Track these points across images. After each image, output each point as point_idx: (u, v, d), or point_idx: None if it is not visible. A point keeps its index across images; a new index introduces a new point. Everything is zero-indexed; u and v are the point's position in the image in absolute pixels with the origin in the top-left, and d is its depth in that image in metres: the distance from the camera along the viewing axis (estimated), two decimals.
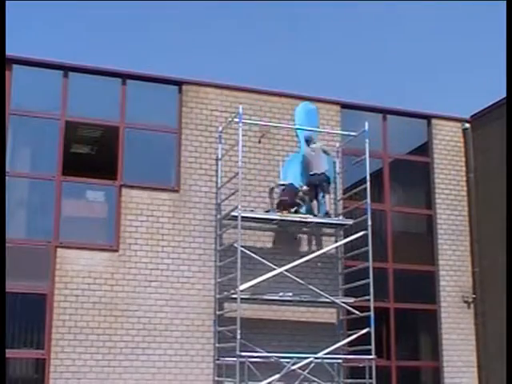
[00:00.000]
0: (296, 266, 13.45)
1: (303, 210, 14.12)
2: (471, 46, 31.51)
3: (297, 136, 14.81)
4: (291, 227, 14.19)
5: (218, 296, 13.55)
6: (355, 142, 14.53)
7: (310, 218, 13.88)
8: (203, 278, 13.66)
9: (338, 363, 13.69)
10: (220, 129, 14.29)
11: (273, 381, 12.57)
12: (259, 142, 14.18)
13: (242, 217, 12.98)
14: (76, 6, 27.74)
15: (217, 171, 14.14)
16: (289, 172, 14.51)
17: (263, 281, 13.16)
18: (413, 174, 16.18)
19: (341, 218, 14.48)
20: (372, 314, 13.19)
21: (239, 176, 13.05)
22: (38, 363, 12.76)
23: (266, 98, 14.90)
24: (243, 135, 13.50)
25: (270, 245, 14.17)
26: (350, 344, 13.51)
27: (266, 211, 13.90)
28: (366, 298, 13.34)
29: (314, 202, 14.12)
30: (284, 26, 31.25)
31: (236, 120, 13.55)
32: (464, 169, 16.01)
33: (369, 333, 13.17)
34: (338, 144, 15.07)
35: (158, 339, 13.17)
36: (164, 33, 31.50)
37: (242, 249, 12.90)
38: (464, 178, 15.94)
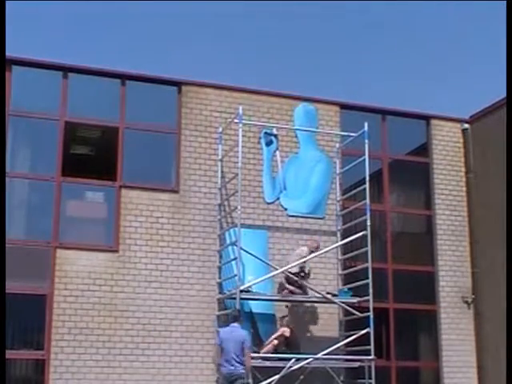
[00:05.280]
0: (296, 265, 13.44)
1: None
2: (471, 46, 31.54)
3: (296, 137, 14.82)
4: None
5: (217, 296, 13.56)
6: (354, 142, 14.53)
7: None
8: (202, 278, 13.67)
9: (338, 363, 13.68)
10: (220, 129, 14.30)
11: (272, 381, 12.57)
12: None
13: None
14: (76, 6, 27.74)
15: (217, 172, 14.14)
16: (287, 175, 14.52)
17: (263, 280, 13.16)
18: (412, 174, 16.19)
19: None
20: (371, 314, 13.20)
21: (239, 177, 13.05)
22: (38, 364, 12.77)
23: (266, 99, 14.91)
24: (242, 136, 13.50)
25: (269, 245, 14.18)
26: (350, 344, 13.51)
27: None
28: (366, 298, 13.35)
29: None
30: (283, 26, 31.27)
31: (236, 121, 13.55)
32: (463, 169, 16.01)
33: (368, 333, 13.18)
34: (337, 145, 15.08)
35: (157, 340, 13.18)
36: (163, 33, 31.51)
37: (242, 246, 12.89)
38: (463, 179, 15.95)
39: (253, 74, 29.19)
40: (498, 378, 14.25)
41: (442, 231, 15.57)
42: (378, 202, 15.22)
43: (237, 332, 11.38)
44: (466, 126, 16.17)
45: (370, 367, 13.13)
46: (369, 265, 13.42)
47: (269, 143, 14.53)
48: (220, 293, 13.56)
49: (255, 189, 14.35)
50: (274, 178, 14.45)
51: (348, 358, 13.54)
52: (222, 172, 14.14)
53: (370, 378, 13.06)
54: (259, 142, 14.56)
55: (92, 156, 16.42)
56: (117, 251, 13.36)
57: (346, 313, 13.92)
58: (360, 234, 13.71)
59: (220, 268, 13.72)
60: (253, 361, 12.58)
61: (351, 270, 14.25)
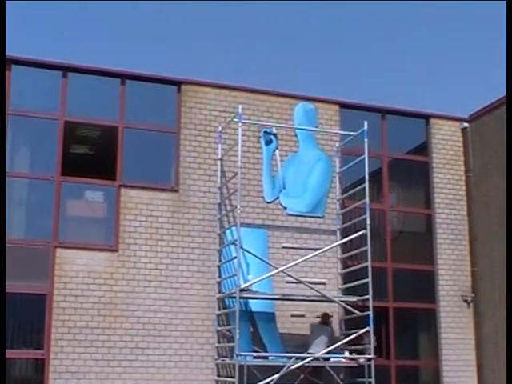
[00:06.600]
0: (295, 264, 13.45)
1: None
2: (470, 46, 31.54)
3: (296, 136, 14.82)
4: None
5: (217, 295, 13.57)
6: (354, 141, 14.53)
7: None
8: (202, 277, 13.68)
9: (338, 362, 13.67)
10: (219, 129, 14.31)
11: (272, 381, 12.57)
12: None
13: None
14: (75, 6, 27.76)
15: (217, 171, 14.15)
16: (287, 174, 14.53)
17: (262, 279, 13.17)
18: (412, 173, 16.20)
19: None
20: (371, 313, 13.20)
21: (238, 176, 13.06)
22: (38, 363, 12.77)
23: (265, 98, 14.92)
24: (242, 135, 13.49)
25: (269, 244, 14.19)
26: (350, 343, 13.51)
27: None
28: (366, 297, 13.35)
29: None
30: (282, 25, 31.29)
31: (235, 120, 13.56)
32: (463, 168, 16.02)
33: (368, 332, 13.19)
34: (337, 144, 15.09)
35: (157, 339, 13.18)
36: (163, 33, 31.52)
37: (242, 245, 12.89)
38: (463, 178, 15.96)
39: (252, 73, 29.20)
40: (498, 377, 14.26)
41: (442, 230, 15.58)
42: (377, 201, 15.23)
43: None
44: (466, 124, 16.17)
45: (369, 366, 13.13)
46: (368, 264, 13.41)
47: (268, 142, 14.53)
48: (220, 292, 13.57)
49: (255, 188, 14.35)
50: (274, 177, 14.44)
51: (348, 357, 13.54)
52: (221, 171, 14.15)
53: (370, 377, 13.06)
54: (259, 141, 14.55)
55: (91, 155, 16.42)
56: (116, 250, 13.36)
57: (346, 312, 13.92)
58: (360, 232, 13.72)
59: (220, 267, 13.72)
60: (253, 360, 12.66)
61: (351, 269, 14.26)
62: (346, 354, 13.47)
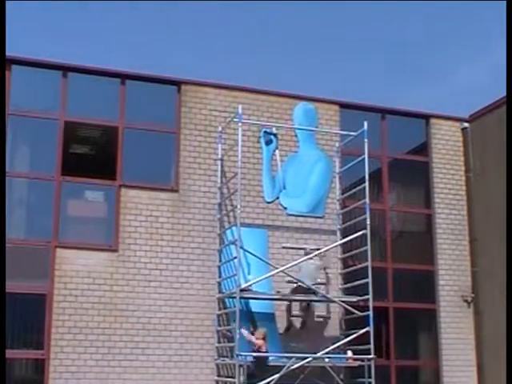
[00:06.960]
0: (295, 264, 13.45)
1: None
2: (470, 45, 31.54)
3: (296, 136, 14.82)
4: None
5: (217, 295, 13.57)
6: (354, 141, 14.52)
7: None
8: (202, 277, 13.68)
9: (338, 362, 13.67)
10: (219, 129, 14.31)
11: (272, 381, 12.56)
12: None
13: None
14: (75, 6, 27.75)
15: (217, 171, 14.15)
16: (287, 174, 14.54)
17: (262, 279, 13.17)
18: (412, 173, 16.20)
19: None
20: (371, 313, 13.20)
21: (238, 176, 13.06)
22: (38, 363, 12.77)
23: (265, 98, 14.92)
24: (242, 135, 13.49)
25: (269, 244, 14.18)
26: (350, 343, 13.51)
27: None
28: (366, 297, 13.35)
29: None
30: (283, 25, 31.28)
31: (235, 120, 13.56)
32: (463, 168, 16.02)
33: (368, 332, 13.18)
34: (337, 144, 15.09)
35: (157, 339, 13.18)
36: (163, 33, 31.51)
37: (242, 245, 12.87)
38: (463, 178, 15.96)
39: (252, 73, 29.20)
40: (498, 377, 14.25)
41: (442, 230, 15.58)
42: (377, 201, 15.23)
43: None
44: (466, 124, 16.17)
45: (369, 366, 13.12)
46: (369, 264, 13.41)
47: (268, 142, 14.54)
48: (220, 292, 13.57)
49: (255, 188, 14.36)
50: (274, 177, 14.46)
51: (348, 357, 13.53)
52: (221, 171, 14.15)
53: (370, 377, 13.06)
54: (259, 141, 14.57)
55: (92, 155, 16.41)
56: (116, 250, 13.36)
57: (346, 312, 13.92)
58: (360, 233, 13.72)
59: (220, 267, 13.72)
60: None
61: (351, 268, 14.27)
62: (349, 353, 13.45)
